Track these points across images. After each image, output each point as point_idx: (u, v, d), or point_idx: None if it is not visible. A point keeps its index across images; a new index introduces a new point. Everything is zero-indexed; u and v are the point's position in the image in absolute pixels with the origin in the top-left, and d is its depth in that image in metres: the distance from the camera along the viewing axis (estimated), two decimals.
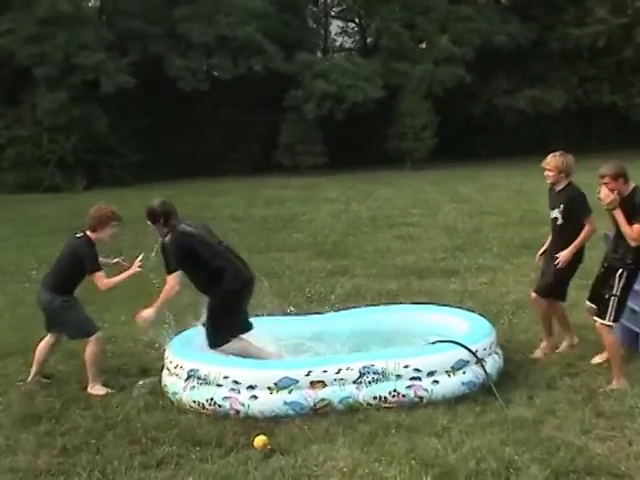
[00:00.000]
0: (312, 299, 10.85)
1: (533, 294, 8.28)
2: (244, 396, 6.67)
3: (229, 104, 36.45)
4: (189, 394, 6.90)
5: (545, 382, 7.24)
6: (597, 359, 7.72)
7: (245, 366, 7.00)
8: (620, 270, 7.14)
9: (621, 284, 7.12)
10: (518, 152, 35.17)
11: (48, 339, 7.85)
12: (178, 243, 7.25)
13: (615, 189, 7.01)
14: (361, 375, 6.72)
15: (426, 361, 6.87)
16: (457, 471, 5.50)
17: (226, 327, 7.36)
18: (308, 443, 6.12)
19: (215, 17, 34.01)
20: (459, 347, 7.02)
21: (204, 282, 7.38)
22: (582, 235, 7.85)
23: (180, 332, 7.81)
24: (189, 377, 6.93)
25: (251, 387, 6.68)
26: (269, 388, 6.65)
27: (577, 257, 7.97)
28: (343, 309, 9.31)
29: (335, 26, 44.20)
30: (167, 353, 7.40)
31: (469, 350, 6.99)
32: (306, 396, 6.63)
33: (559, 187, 8.02)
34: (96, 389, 7.51)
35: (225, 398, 6.72)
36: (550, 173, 8.00)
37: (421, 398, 6.73)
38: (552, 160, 7.99)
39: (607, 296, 7.17)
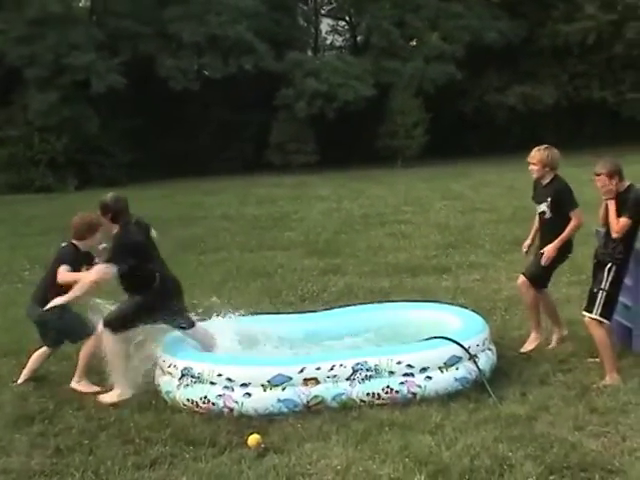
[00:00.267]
0: (304, 297, 10.84)
1: (521, 277, 8.23)
2: (238, 394, 6.66)
3: (220, 103, 36.43)
4: (183, 392, 6.88)
5: (538, 378, 7.23)
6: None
7: (238, 363, 6.99)
8: (609, 264, 7.13)
9: (610, 278, 7.11)
10: (510, 149, 35.05)
11: (45, 350, 7.82)
12: (121, 240, 7.33)
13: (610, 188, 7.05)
14: (354, 372, 6.71)
15: (419, 357, 6.86)
16: (451, 468, 5.49)
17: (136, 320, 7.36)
18: (302, 441, 6.11)
19: (206, 16, 34.03)
20: (451, 343, 7.03)
21: (134, 282, 7.40)
22: (568, 228, 7.83)
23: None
24: (183, 376, 6.92)
25: (244, 384, 6.67)
26: (262, 385, 6.65)
27: (566, 248, 7.95)
28: (328, 308, 9.25)
29: (325, 24, 44.40)
30: (160, 352, 7.38)
31: (461, 346, 7.00)
32: (299, 393, 6.63)
33: (545, 181, 8.01)
34: (81, 385, 7.50)
35: (219, 396, 6.71)
36: (535, 167, 7.99)
37: (414, 394, 6.73)
38: (537, 154, 7.98)
39: (595, 290, 7.17)
